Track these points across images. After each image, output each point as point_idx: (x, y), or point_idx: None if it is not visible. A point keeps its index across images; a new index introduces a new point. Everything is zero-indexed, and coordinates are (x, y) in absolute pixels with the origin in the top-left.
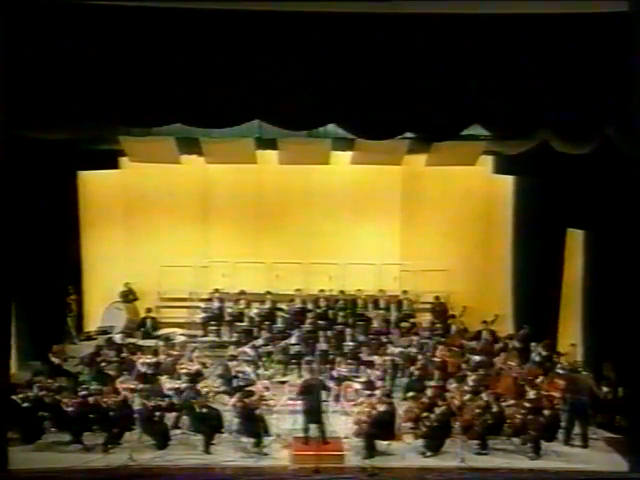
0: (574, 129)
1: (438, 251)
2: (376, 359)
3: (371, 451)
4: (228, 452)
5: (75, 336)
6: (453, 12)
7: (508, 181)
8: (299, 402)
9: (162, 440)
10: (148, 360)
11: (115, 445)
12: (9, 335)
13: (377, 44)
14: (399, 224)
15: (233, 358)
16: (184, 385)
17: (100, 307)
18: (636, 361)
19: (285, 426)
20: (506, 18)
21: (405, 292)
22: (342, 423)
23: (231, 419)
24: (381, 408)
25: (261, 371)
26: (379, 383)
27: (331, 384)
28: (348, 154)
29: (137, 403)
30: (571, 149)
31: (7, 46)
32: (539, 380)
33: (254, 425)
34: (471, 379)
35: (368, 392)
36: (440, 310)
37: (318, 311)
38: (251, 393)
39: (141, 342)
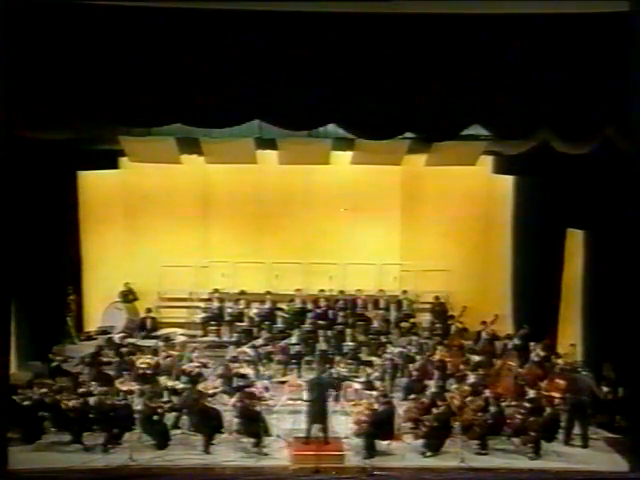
0: (574, 129)
1: (438, 251)
2: (375, 359)
3: (371, 451)
4: (228, 452)
5: (75, 336)
6: (453, 12)
7: (508, 181)
8: (299, 402)
9: (162, 440)
10: (148, 360)
11: (115, 445)
12: (9, 335)
13: (377, 44)
14: (399, 224)
15: (235, 359)
16: (184, 385)
17: (100, 307)
18: (636, 361)
19: (285, 426)
20: (506, 18)
21: (405, 292)
22: (342, 423)
23: (231, 419)
24: (381, 408)
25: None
26: (379, 383)
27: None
28: (348, 154)
29: (137, 403)
30: (571, 149)
31: (7, 46)
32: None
33: (254, 425)
34: (471, 379)
35: (368, 392)
36: (440, 310)
37: (318, 311)
38: (251, 394)
39: (141, 342)
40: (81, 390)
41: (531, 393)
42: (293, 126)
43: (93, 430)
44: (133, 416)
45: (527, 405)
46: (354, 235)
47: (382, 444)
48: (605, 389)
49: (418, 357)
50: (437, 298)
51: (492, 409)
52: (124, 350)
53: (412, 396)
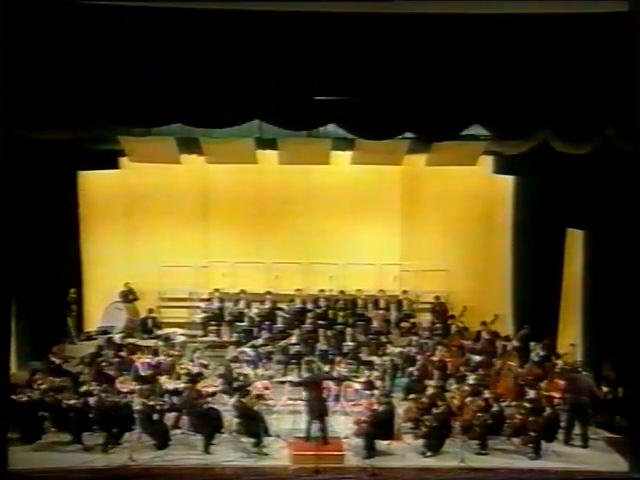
0: (574, 129)
1: (438, 251)
2: (376, 359)
3: (371, 451)
4: (228, 452)
5: (75, 336)
6: (453, 12)
7: (508, 181)
8: (299, 402)
9: (162, 440)
10: (148, 360)
11: (115, 445)
12: (9, 335)
13: (377, 44)
14: (399, 224)
15: (235, 359)
16: (184, 385)
17: (100, 307)
18: (636, 361)
19: (285, 426)
20: (506, 18)
21: (405, 292)
22: (342, 423)
23: (231, 419)
24: (381, 408)
25: (260, 371)
26: (379, 383)
27: (331, 384)
28: (348, 154)
29: (137, 403)
30: (571, 149)
31: (7, 46)
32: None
33: (254, 425)
34: (471, 379)
35: (368, 392)
36: (440, 310)
37: (318, 311)
38: (249, 393)
39: (141, 342)
40: (81, 390)
41: (531, 393)
42: (293, 126)
43: (93, 430)
44: (133, 416)
45: (527, 405)
46: (354, 235)
47: (382, 444)
48: (605, 389)
49: (418, 357)
50: (437, 298)
51: (492, 409)
52: (124, 350)
53: (412, 396)
